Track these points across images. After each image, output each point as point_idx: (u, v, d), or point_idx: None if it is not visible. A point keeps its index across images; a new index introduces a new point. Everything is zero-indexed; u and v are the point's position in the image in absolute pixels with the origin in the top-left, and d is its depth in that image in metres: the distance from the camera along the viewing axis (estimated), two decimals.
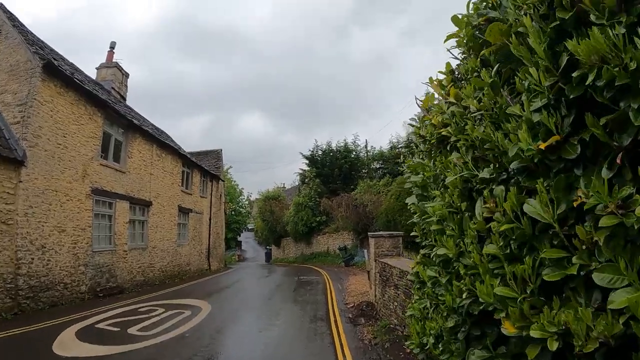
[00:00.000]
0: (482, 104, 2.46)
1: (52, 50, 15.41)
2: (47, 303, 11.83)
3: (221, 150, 32.81)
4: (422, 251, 3.85)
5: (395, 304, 8.80)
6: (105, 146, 15.69)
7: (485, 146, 2.40)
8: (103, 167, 15.20)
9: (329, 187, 36.88)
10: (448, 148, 3.12)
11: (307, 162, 40.26)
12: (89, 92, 14.08)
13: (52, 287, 12.14)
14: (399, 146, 40.50)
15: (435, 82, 3.42)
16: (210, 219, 27.19)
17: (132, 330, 9.16)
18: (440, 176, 3.24)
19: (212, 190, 27.74)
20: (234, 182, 57.58)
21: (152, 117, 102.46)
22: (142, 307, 12.20)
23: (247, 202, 60.40)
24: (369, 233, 12.38)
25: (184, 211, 23.17)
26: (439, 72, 3.37)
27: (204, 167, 26.11)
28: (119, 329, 9.34)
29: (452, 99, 2.95)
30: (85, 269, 13.79)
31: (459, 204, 2.83)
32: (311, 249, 37.72)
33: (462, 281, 2.68)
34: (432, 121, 3.37)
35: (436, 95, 3.56)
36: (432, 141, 3.39)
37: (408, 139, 39.08)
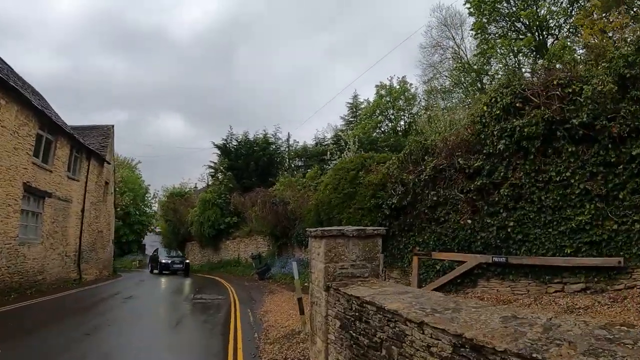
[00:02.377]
0: None
1: None
2: None
3: (113, 126, 24.55)
4: None
5: None
6: None
7: None
8: None
9: (243, 183, 30.04)
10: None
11: (218, 152, 33.29)
12: None
13: None
14: (325, 143, 35.16)
15: None
16: (83, 211, 19.27)
17: None
18: None
19: (88, 173, 19.71)
20: (141, 177, 49.48)
21: (73, 110, 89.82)
22: None
23: (153, 201, 51.82)
24: (310, 231, 6.18)
25: (35, 194, 15.23)
26: None
27: (76, 138, 18.23)
28: None
29: None
30: None
31: None
32: (219, 256, 30.49)
33: None
34: None
35: None
36: None
37: (336, 137, 33.95)
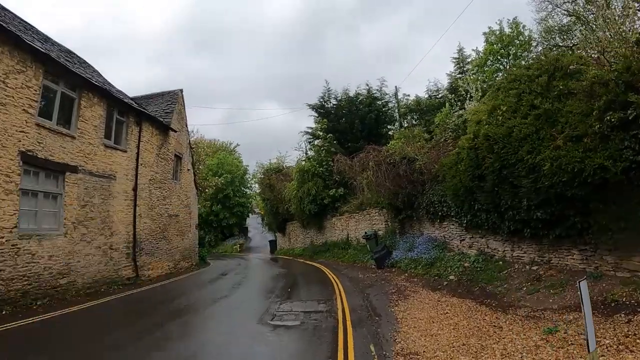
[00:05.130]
0: None
1: None
2: None
3: (181, 90, 20.42)
4: None
5: None
6: None
7: None
8: None
9: (348, 147, 24.38)
10: None
11: (315, 115, 28.11)
12: None
13: None
14: (440, 95, 28.50)
15: None
16: (135, 189, 14.96)
17: None
18: None
19: (139, 142, 15.30)
20: (239, 158, 47.51)
21: None
22: None
23: (253, 181, 49.25)
24: None
25: (47, 167, 10.94)
26: None
27: (115, 95, 13.82)
28: None
29: None
30: None
31: None
32: (324, 237, 25.11)
33: None
34: None
35: None
36: None
37: (453, 87, 27.12)
